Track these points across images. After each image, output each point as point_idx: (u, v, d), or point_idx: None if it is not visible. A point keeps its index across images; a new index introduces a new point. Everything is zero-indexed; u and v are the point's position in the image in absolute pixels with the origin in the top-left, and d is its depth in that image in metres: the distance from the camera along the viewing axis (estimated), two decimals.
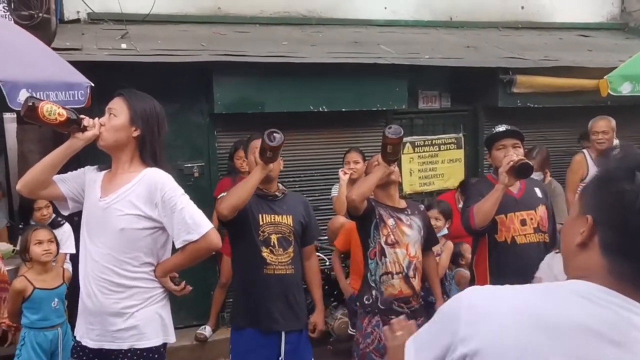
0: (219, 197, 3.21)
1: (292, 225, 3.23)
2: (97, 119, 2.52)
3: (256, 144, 3.21)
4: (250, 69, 5.02)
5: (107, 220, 2.45)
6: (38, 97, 2.99)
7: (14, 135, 6.10)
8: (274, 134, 2.98)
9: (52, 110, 2.37)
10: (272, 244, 3.15)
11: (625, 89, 5.12)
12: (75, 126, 2.44)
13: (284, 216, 3.23)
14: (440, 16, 6.91)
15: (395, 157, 3.27)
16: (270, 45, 5.46)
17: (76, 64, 4.15)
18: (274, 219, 3.20)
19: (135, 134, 2.51)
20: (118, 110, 2.51)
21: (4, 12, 5.63)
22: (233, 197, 3.03)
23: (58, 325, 3.75)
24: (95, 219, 2.50)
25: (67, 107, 2.47)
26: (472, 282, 3.71)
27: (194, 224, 2.41)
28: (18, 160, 5.83)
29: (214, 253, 2.85)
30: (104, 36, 5.19)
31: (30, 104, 2.36)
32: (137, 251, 2.46)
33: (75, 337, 2.62)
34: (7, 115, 6.41)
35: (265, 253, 3.14)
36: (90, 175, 2.62)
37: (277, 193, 3.29)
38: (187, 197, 2.47)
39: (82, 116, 2.47)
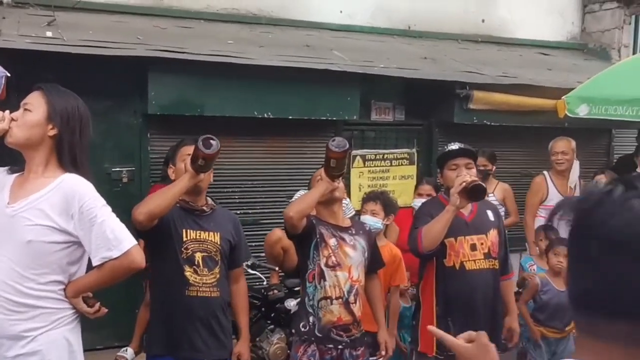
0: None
1: (219, 243, 3.12)
2: (7, 112, 2.38)
3: (188, 150, 3.09)
4: (190, 67, 4.89)
5: (13, 230, 2.31)
6: None
7: None
8: (210, 141, 2.86)
9: None
10: (196, 262, 3.03)
11: (582, 111, 5.25)
12: None
13: (211, 233, 3.11)
14: (397, 24, 6.92)
15: (340, 172, 3.21)
16: (215, 44, 5.34)
17: None
18: (200, 236, 3.08)
19: (52, 132, 2.38)
20: (34, 105, 2.39)
21: None
22: (152, 203, 2.90)
23: None
24: (0, 227, 2.34)
25: None
26: (417, 308, 3.67)
27: (115, 239, 2.31)
28: None
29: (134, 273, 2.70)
30: (28, 22, 4.97)
31: None
32: (44, 267, 2.32)
33: None
34: None
35: (188, 272, 3.01)
36: (0, 178, 2.46)
37: (204, 207, 3.17)
38: (109, 209, 2.36)
39: None
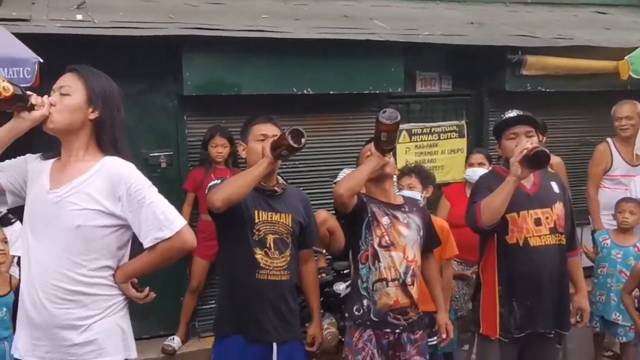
0: (210, 184, 3.09)
1: (290, 225, 3.13)
2: (46, 97, 2.36)
3: (262, 129, 3.12)
4: (225, 45, 4.82)
5: (59, 216, 2.30)
6: None
7: None
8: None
9: None
10: (267, 245, 3.06)
11: None
12: (21, 104, 2.27)
13: (283, 214, 3.12)
14: None
15: (391, 145, 3.12)
16: (248, 19, 5.27)
17: (23, 37, 3.99)
18: (271, 217, 3.10)
19: (93, 116, 2.38)
20: (72, 88, 2.36)
21: None
22: (230, 188, 2.91)
23: (4, 339, 3.59)
24: (43, 215, 2.35)
25: (12, 81, 2.28)
26: (478, 288, 3.55)
27: (166, 220, 2.30)
28: None
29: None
30: (57, 6, 4.98)
31: None
32: (95, 252, 2.33)
33: (13, 355, 2.45)
34: None
35: (259, 255, 3.04)
36: (34, 165, 2.46)
37: (276, 188, 3.16)
38: (155, 189, 2.36)
39: (29, 93, 2.31)
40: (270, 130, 3.14)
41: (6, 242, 3.62)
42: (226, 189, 2.91)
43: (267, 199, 3.11)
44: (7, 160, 2.47)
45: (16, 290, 3.66)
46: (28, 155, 2.50)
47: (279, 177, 3.24)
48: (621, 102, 5.18)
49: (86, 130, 2.38)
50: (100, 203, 2.29)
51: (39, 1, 5.08)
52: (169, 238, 2.30)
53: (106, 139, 2.39)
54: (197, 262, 4.99)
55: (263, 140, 3.08)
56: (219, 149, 4.89)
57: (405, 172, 4.18)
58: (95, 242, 2.31)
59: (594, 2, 7.23)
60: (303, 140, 2.87)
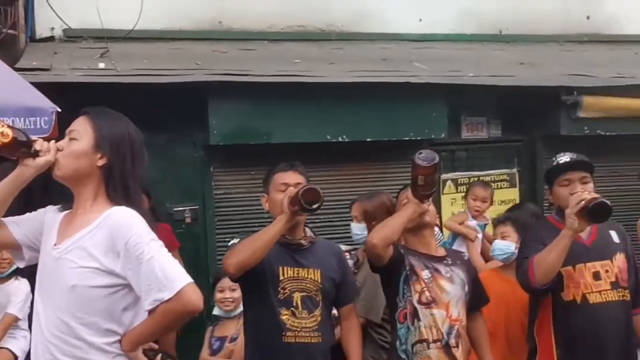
0: (230, 242, 3.17)
1: (319, 281, 3.10)
2: (52, 142, 2.35)
3: (283, 178, 3.10)
4: (254, 91, 4.94)
5: (59, 274, 2.26)
6: None
7: None
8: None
9: None
10: (294, 304, 3.03)
11: None
12: (24, 150, 2.29)
13: (311, 270, 3.09)
14: (487, 29, 6.85)
15: (429, 191, 3.09)
16: (280, 64, 5.41)
17: (43, 87, 4.12)
18: (298, 274, 3.07)
19: (101, 162, 2.32)
20: (81, 133, 2.33)
21: None
22: (244, 253, 2.91)
23: None
24: (48, 272, 2.32)
25: (16, 127, 2.34)
26: (533, 353, 3.44)
27: (165, 279, 2.18)
28: None
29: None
30: (81, 55, 5.22)
31: None
32: (94, 316, 2.24)
33: None
34: None
35: (285, 316, 3.01)
36: (50, 216, 2.45)
37: (302, 241, 3.15)
38: (159, 243, 2.26)
39: (34, 138, 2.32)
40: (292, 178, 3.12)
41: None
42: (240, 253, 2.90)
43: (293, 253, 3.09)
44: (27, 213, 2.49)
45: None
46: (49, 206, 2.49)
47: (306, 228, 3.23)
48: None
49: (94, 178, 2.33)
50: (98, 260, 2.22)
51: (61, 51, 5.33)
52: (169, 299, 2.17)
53: (116, 187, 2.32)
54: None
55: (285, 190, 3.05)
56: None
57: (501, 219, 4.16)
58: (93, 304, 2.23)
59: None
60: (317, 204, 2.86)
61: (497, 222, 4.17)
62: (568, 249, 3.12)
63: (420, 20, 6.63)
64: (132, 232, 2.22)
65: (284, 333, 3.00)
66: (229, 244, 3.14)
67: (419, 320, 3.11)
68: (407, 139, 5.45)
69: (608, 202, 3.08)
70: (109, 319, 2.27)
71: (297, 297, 3.03)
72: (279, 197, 3.04)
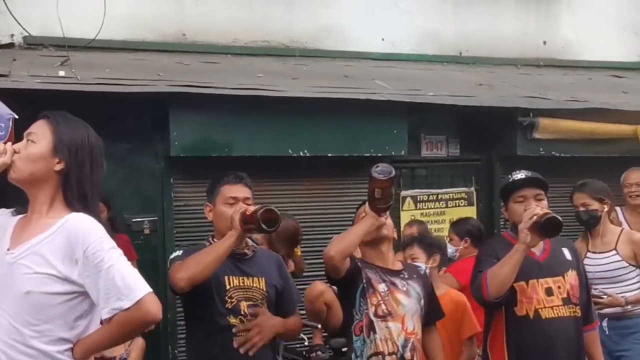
0: (171, 256, 3.08)
1: (265, 289, 3.12)
2: (9, 144, 2.32)
3: (230, 190, 3.09)
4: (216, 103, 4.95)
5: (12, 280, 2.21)
6: None
7: None
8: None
9: None
10: (242, 312, 3.03)
11: None
12: None
13: (256, 279, 3.11)
14: (447, 50, 6.95)
15: (386, 204, 3.13)
16: (243, 78, 5.41)
17: (1, 93, 4.05)
18: (244, 282, 3.08)
19: (58, 167, 2.30)
20: (39, 136, 2.30)
21: None
22: (196, 267, 2.89)
23: None
24: (0, 277, 2.27)
25: None
26: None
27: (125, 287, 2.15)
28: None
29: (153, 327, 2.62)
30: (41, 63, 5.14)
31: None
32: (47, 323, 2.20)
33: None
34: None
35: (234, 322, 3.02)
36: (2, 220, 2.40)
37: (246, 250, 3.17)
38: (118, 251, 2.23)
39: None
40: (240, 192, 3.11)
41: None
42: (191, 268, 2.88)
43: (237, 262, 3.09)
44: None
45: None
46: (1, 209, 2.43)
47: (248, 238, 3.22)
48: (632, 169, 5.14)
49: (51, 183, 2.29)
50: (54, 266, 2.18)
51: (21, 58, 5.23)
52: (128, 308, 2.14)
53: (73, 193, 2.29)
54: None
55: (233, 204, 3.05)
56: None
57: (407, 242, 4.17)
58: (47, 310, 2.19)
59: (610, 66, 7.40)
60: (275, 226, 2.87)
61: (404, 245, 4.15)
62: (521, 264, 3.17)
63: (383, 39, 6.70)
64: (91, 239, 2.19)
65: (234, 338, 3.00)
66: (171, 257, 3.08)
67: (374, 332, 3.12)
68: (368, 155, 5.49)
69: (559, 217, 3.16)
70: (62, 327, 2.23)
71: (243, 305, 3.03)
72: (227, 210, 3.04)
